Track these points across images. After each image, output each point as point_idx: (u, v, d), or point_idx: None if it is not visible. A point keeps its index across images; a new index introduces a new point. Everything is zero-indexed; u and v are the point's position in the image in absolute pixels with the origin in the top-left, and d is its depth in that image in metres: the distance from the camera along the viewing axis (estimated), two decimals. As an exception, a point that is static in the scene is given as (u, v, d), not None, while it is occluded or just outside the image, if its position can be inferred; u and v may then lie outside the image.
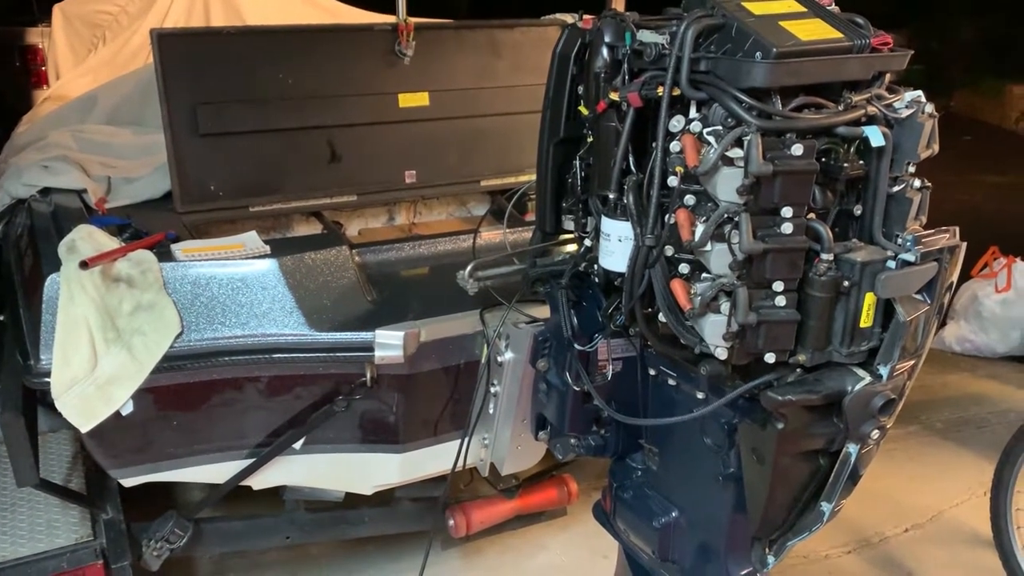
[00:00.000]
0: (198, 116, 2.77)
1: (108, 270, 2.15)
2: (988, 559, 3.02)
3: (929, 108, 1.58)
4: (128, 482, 2.38)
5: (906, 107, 1.57)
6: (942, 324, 4.87)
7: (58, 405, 2.07)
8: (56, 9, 4.69)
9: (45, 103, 4.20)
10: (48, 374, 2.09)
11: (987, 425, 4.16)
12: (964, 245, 1.64)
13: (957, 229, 1.63)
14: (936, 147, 1.62)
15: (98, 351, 2.08)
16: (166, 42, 2.74)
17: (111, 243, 2.28)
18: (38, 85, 5.25)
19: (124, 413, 2.14)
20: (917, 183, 1.61)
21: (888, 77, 1.62)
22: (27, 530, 2.42)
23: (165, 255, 2.28)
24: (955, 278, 1.69)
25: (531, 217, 2.79)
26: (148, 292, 2.16)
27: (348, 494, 2.70)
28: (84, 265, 2.07)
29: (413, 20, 3.08)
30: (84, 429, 2.10)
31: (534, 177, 2.08)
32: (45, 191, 2.90)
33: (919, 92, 1.60)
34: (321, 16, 4.28)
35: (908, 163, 1.58)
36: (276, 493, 2.68)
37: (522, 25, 3.29)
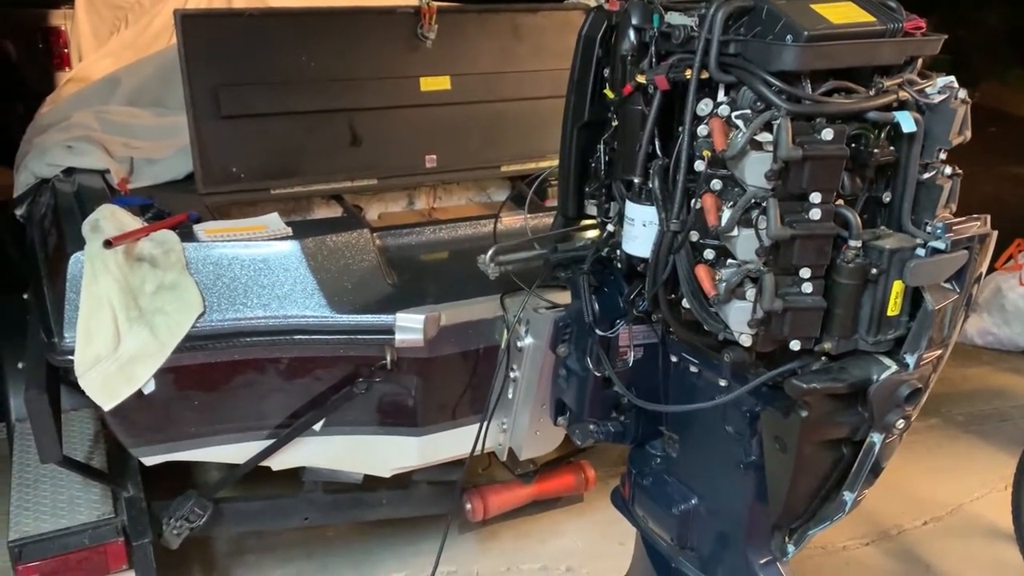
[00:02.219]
0: (220, 98, 2.77)
1: (131, 250, 2.16)
2: (1008, 553, 3.00)
3: (962, 94, 1.56)
4: (149, 461, 2.40)
5: (938, 93, 1.55)
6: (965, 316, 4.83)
7: (81, 383, 2.09)
8: (80, -9, 4.71)
9: (68, 84, 4.22)
10: (72, 352, 2.10)
11: (1008, 419, 4.12)
12: (995, 234, 1.61)
13: (988, 217, 1.60)
14: (968, 134, 1.59)
15: (121, 330, 2.10)
16: (189, 23, 2.74)
17: (134, 223, 2.28)
18: (60, 67, 5.28)
19: (146, 392, 2.15)
20: (948, 170, 1.59)
21: (920, 62, 1.59)
22: (49, 506, 2.45)
23: (187, 236, 2.29)
24: (984, 268, 1.67)
25: (551, 203, 2.78)
26: (171, 272, 2.17)
27: (366, 476, 2.72)
28: (108, 244, 2.07)
29: (436, 3, 3.07)
30: (107, 407, 2.11)
31: (555, 163, 2.07)
32: (68, 171, 2.91)
33: (952, 77, 1.58)
34: (342, -1, 4.26)
35: (939, 150, 1.56)
36: (295, 474, 2.70)
37: (545, 9, 3.27)
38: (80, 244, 2.17)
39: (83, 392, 2.12)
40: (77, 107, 3.38)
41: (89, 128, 3.12)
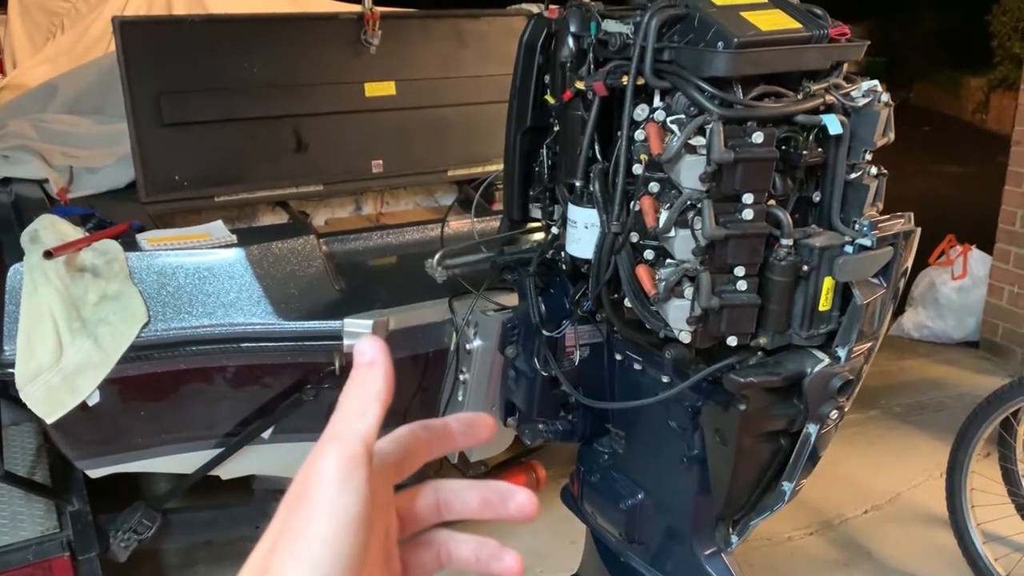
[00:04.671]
0: (162, 105, 2.74)
1: (73, 260, 2.14)
2: (944, 538, 3.11)
3: (885, 97, 1.62)
4: (94, 473, 2.37)
5: (863, 96, 1.62)
6: (900, 310, 4.98)
7: (23, 396, 2.05)
8: (12, -4, 4.61)
9: (3, 92, 4.13)
10: (12, 365, 2.07)
11: (944, 409, 4.27)
12: (919, 230, 1.69)
13: (912, 215, 1.68)
14: (892, 135, 1.66)
15: (63, 341, 2.07)
16: (129, 30, 2.70)
17: (75, 233, 2.25)
18: (-7, 75, 5.16)
19: (91, 404, 2.12)
20: (873, 170, 1.66)
21: (845, 67, 1.66)
22: (-9, 523, 2.40)
23: (130, 245, 2.26)
24: (910, 263, 1.74)
25: (498, 206, 2.81)
26: (114, 282, 2.15)
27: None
28: (48, 255, 2.05)
29: (379, 9, 3.08)
30: (50, 420, 2.08)
31: (501, 166, 2.10)
32: (5, 181, 2.86)
33: (875, 81, 1.65)
34: (285, 4, 4.24)
35: (865, 151, 1.62)
36: (245, 483, 2.68)
37: (488, 15, 3.30)
38: (19, 255, 2.14)
39: (24, 406, 2.08)
40: (13, 115, 3.32)
41: (26, 137, 3.06)
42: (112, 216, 2.51)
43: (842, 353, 1.61)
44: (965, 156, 8.81)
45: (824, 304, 1.58)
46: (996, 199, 4.75)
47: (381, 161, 3.10)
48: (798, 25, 1.59)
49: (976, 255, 4.86)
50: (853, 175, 1.63)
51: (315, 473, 0.48)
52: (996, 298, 4.77)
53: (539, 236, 2.10)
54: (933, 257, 4.98)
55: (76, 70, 3.62)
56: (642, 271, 1.59)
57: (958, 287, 4.86)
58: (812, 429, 1.69)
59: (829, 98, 1.58)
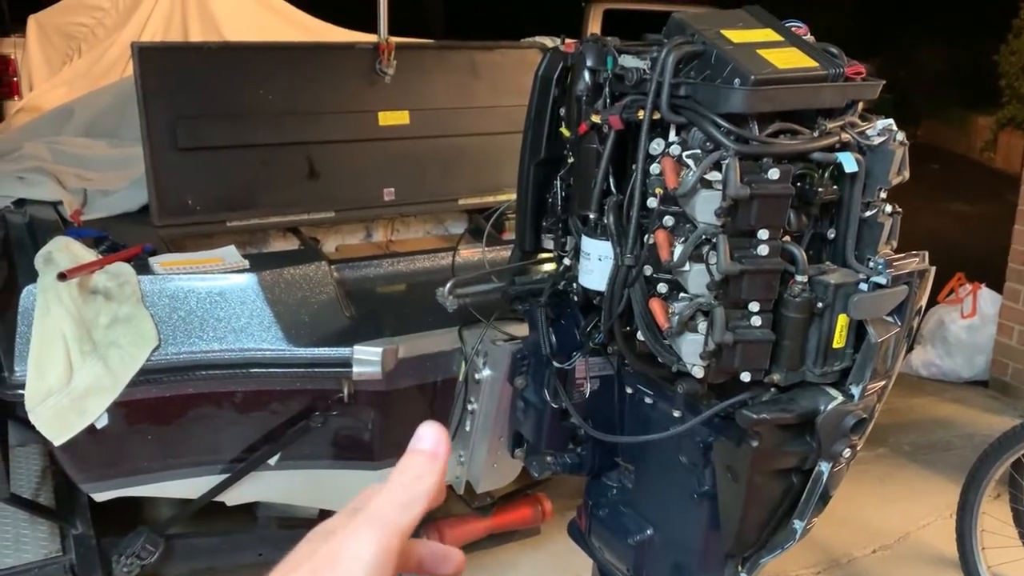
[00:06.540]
0: (177, 130, 2.76)
1: (85, 282, 2.14)
2: (954, 580, 3.07)
3: (900, 136, 1.63)
4: (100, 496, 2.36)
5: (878, 135, 1.62)
6: (909, 347, 4.95)
7: (32, 417, 2.05)
8: (31, 20, 4.67)
9: (19, 114, 4.18)
10: (22, 386, 2.07)
11: (953, 448, 4.23)
12: (933, 269, 1.68)
13: (927, 254, 1.67)
14: (907, 174, 1.67)
15: (74, 363, 2.07)
16: (146, 56, 2.74)
17: (88, 255, 2.26)
18: (9, 96, 5.21)
19: (99, 426, 2.12)
20: (888, 208, 1.66)
21: (861, 105, 1.67)
22: (-6, 545, 2.39)
23: (143, 268, 2.27)
24: (924, 302, 1.73)
25: (509, 236, 2.81)
26: (125, 305, 2.15)
27: (321, 510, 2.69)
28: (62, 277, 2.05)
29: (395, 39, 3.11)
30: (57, 442, 2.08)
31: (512, 196, 2.10)
32: (20, 202, 2.88)
33: (890, 120, 1.65)
34: (300, 33, 4.29)
35: (880, 189, 1.63)
36: (249, 509, 2.66)
37: (502, 47, 3.33)
38: (32, 276, 2.15)
39: (31, 427, 2.08)
40: (29, 137, 3.35)
41: (41, 159, 3.09)
42: (125, 239, 2.52)
43: (856, 391, 1.60)
44: (973, 194, 8.81)
45: (838, 341, 1.58)
46: (1005, 238, 4.74)
47: (393, 189, 3.11)
48: (814, 64, 1.60)
49: (986, 294, 4.84)
50: (868, 213, 1.63)
51: (351, 548, 0.50)
52: (1006, 337, 4.74)
53: (550, 267, 2.10)
54: (943, 295, 4.96)
55: (92, 94, 3.66)
56: (655, 304, 1.59)
57: (967, 326, 4.84)
58: (824, 467, 1.67)
59: (844, 136, 1.59)
